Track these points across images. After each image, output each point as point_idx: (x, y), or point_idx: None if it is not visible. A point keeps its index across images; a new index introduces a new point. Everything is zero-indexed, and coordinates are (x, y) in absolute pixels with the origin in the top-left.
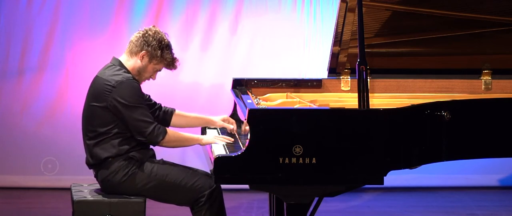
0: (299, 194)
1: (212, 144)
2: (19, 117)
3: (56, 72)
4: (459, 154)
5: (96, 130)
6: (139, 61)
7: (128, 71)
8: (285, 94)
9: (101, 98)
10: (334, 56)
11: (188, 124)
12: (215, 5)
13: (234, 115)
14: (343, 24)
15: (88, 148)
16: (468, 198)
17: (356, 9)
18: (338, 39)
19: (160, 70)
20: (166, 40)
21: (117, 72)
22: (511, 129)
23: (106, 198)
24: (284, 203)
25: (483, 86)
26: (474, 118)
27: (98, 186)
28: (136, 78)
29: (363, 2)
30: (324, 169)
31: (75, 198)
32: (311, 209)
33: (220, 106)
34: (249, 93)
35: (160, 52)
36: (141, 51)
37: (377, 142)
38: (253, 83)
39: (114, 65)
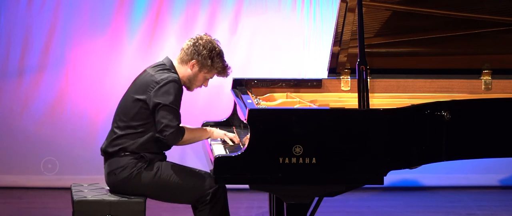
0: (299, 194)
1: (212, 144)
2: (19, 117)
3: (56, 72)
4: (459, 154)
5: (128, 122)
6: (189, 70)
7: (175, 73)
8: (285, 94)
9: (144, 91)
10: (334, 56)
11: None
12: (215, 5)
13: (234, 115)
14: (343, 24)
15: (111, 136)
16: (468, 198)
17: (356, 9)
18: (338, 39)
19: (211, 78)
20: (217, 49)
21: (165, 71)
22: (511, 129)
23: (106, 198)
24: (284, 203)
25: (483, 86)
26: (474, 118)
27: (98, 186)
28: (186, 85)
29: (363, 2)
30: (324, 169)
31: (75, 198)
32: (311, 209)
33: (220, 106)
34: (249, 93)
35: (210, 62)
36: (191, 60)
37: (377, 142)
38: (253, 83)
39: (164, 64)
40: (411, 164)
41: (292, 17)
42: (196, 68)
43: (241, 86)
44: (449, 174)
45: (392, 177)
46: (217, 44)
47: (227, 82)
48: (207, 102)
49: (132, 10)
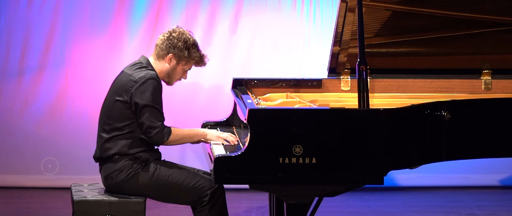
0: (299, 194)
1: (212, 144)
2: (19, 117)
3: (56, 72)
4: (459, 154)
5: (113, 125)
6: (167, 64)
7: (153, 70)
8: (285, 94)
9: (124, 92)
10: (334, 56)
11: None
12: (215, 5)
13: (234, 115)
14: (343, 24)
15: (100, 141)
16: (468, 198)
17: (356, 9)
18: (338, 39)
19: (190, 69)
20: (191, 39)
21: (142, 69)
22: (511, 129)
23: (106, 198)
24: (284, 203)
25: (483, 86)
26: (474, 118)
27: (98, 186)
28: (165, 80)
29: (363, 2)
30: (324, 169)
31: (75, 198)
32: (311, 209)
33: (220, 106)
34: (249, 93)
35: (187, 53)
36: (168, 54)
37: (377, 142)
38: (253, 83)
39: (141, 62)
40: (411, 164)
41: (292, 17)
42: (173, 62)
43: (241, 86)
44: (449, 174)
45: (392, 177)
46: (191, 35)
47: (227, 82)
48: (207, 102)
49: (132, 10)
